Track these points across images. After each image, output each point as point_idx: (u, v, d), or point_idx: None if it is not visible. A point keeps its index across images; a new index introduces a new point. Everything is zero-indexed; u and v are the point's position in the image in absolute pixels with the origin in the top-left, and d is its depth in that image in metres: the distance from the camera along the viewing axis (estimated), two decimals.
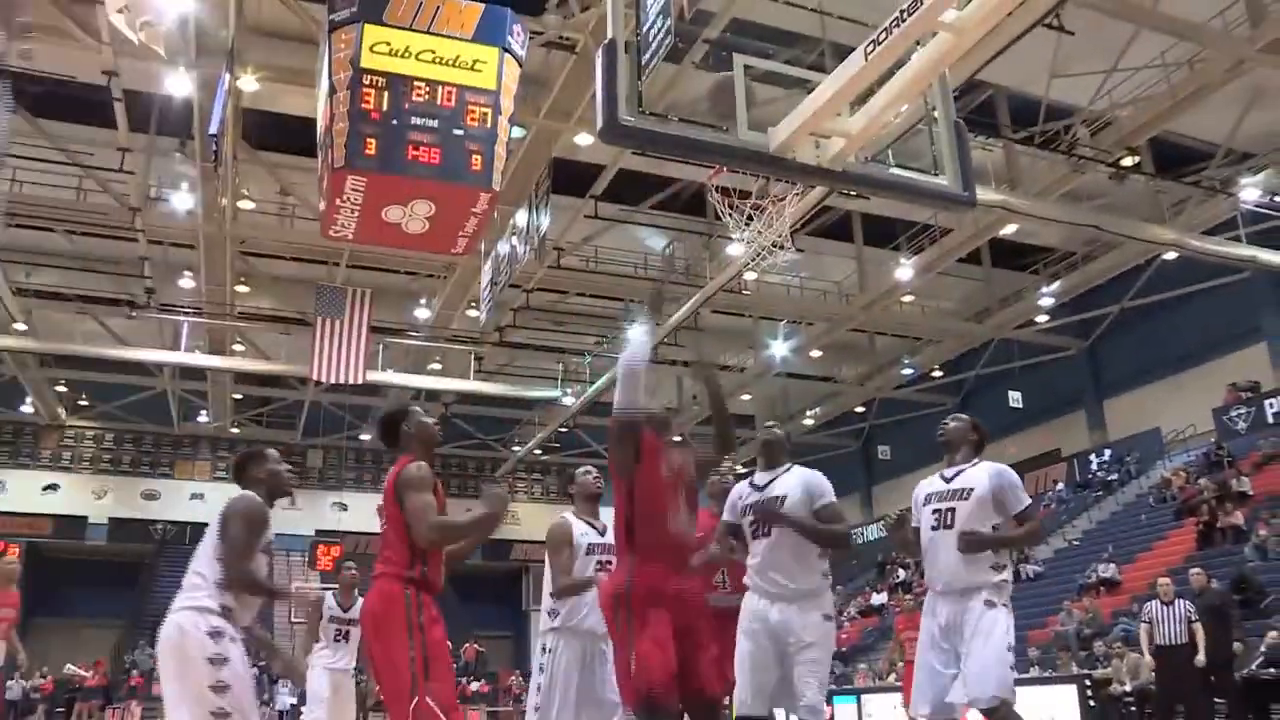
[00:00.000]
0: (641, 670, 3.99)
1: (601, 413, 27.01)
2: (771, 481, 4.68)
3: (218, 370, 23.36)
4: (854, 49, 6.50)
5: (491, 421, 30.60)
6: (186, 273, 19.97)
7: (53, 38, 13.09)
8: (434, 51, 7.97)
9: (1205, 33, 13.37)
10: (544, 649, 4.79)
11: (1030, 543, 16.65)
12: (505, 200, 12.37)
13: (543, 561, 5.13)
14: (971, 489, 4.55)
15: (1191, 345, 20.88)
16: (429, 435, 4.11)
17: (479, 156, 8.04)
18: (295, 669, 6.83)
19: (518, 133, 12.34)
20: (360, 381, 18.38)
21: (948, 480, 4.68)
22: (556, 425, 26.19)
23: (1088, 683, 12.33)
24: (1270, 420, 18.63)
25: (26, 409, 28.39)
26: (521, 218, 14.63)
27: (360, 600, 6.48)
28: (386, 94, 7.79)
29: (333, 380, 18.15)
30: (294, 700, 20.96)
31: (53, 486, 29.74)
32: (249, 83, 13.43)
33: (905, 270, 19.05)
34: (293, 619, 17.47)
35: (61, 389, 28.37)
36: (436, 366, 23.23)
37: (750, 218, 8.04)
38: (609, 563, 4.75)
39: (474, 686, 24.45)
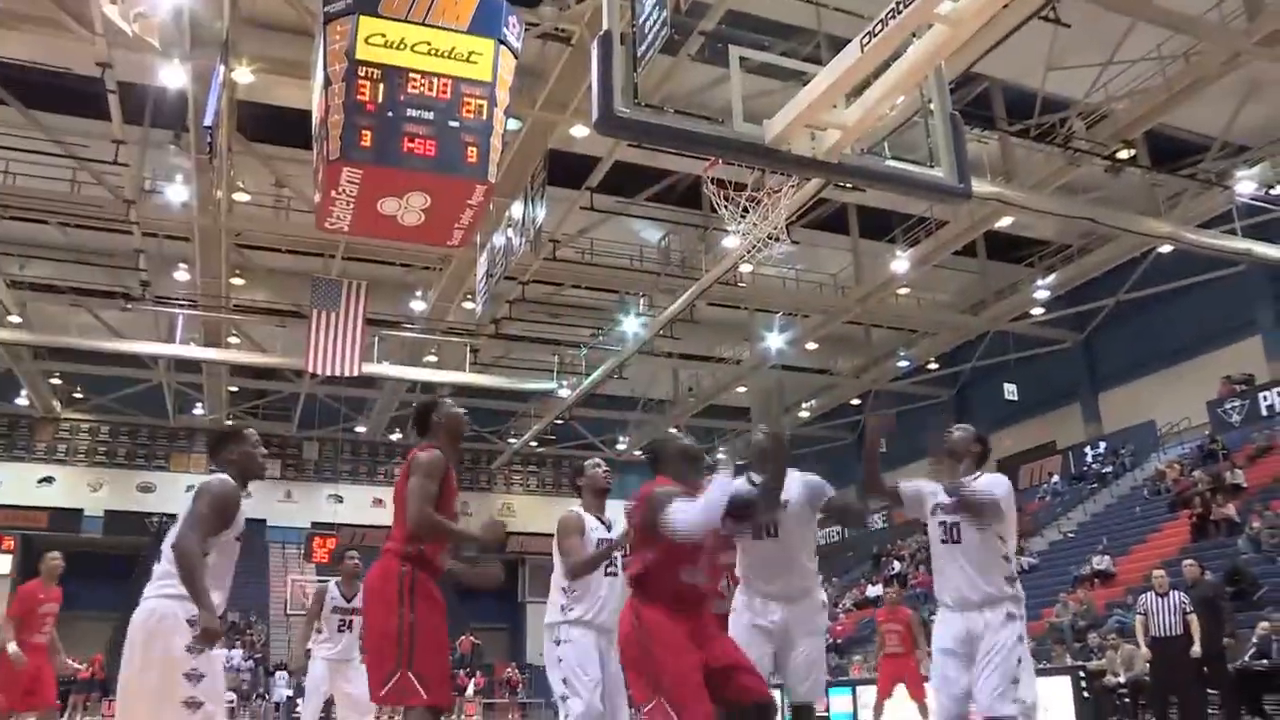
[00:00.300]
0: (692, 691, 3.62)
1: (598, 405, 27.10)
2: None
3: (213, 363, 23.35)
4: (850, 41, 6.51)
5: (487, 414, 30.57)
6: (181, 265, 19.92)
7: (47, 29, 13.05)
8: (429, 43, 7.93)
9: (1201, 25, 13.38)
10: (557, 641, 4.73)
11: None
12: (501, 192, 12.36)
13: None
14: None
15: (1186, 338, 20.92)
16: (456, 425, 4.26)
17: (474, 148, 8.01)
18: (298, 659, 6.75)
19: (513, 125, 12.30)
20: (356, 374, 18.35)
21: (952, 495, 4.68)
22: (552, 417, 26.22)
23: (1082, 674, 12.34)
24: (1264, 413, 18.71)
25: (21, 402, 28.41)
26: (517, 210, 14.63)
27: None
28: (382, 86, 7.75)
29: (328, 373, 18.11)
30: (289, 692, 21.00)
31: (48, 479, 29.77)
32: (244, 75, 13.41)
33: (901, 263, 19.07)
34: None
35: (56, 382, 28.30)
36: (432, 359, 23.18)
37: (746, 210, 8.05)
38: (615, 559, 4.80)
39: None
